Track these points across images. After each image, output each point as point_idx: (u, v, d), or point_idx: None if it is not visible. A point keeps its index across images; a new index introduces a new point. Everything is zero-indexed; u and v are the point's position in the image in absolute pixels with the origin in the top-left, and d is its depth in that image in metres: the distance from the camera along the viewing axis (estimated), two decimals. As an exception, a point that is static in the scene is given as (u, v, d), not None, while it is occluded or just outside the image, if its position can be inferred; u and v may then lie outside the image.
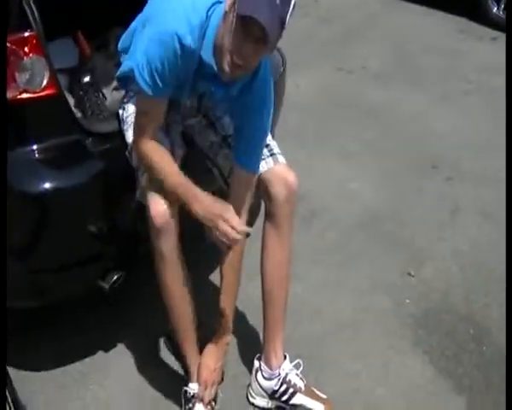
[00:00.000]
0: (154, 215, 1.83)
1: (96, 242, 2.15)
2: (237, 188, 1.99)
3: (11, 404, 1.89)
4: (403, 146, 3.73)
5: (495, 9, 5.44)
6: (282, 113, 2.78)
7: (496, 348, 2.39)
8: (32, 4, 1.90)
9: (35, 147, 1.97)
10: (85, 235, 2.09)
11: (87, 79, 2.62)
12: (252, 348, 2.32)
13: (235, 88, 1.86)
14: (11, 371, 2.02)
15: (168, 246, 1.87)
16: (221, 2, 1.71)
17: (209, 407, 2.09)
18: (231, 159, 2.01)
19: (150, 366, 2.33)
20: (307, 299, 2.61)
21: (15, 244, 2.00)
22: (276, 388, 2.16)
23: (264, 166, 2.02)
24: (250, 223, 2.09)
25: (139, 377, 2.30)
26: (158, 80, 1.74)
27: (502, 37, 4.95)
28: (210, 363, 2.08)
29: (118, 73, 2.09)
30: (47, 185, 1.97)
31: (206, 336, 2.12)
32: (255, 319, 2.41)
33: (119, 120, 2.11)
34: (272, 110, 1.95)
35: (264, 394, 2.19)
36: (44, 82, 1.93)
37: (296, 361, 2.19)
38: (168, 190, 1.83)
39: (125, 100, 2.11)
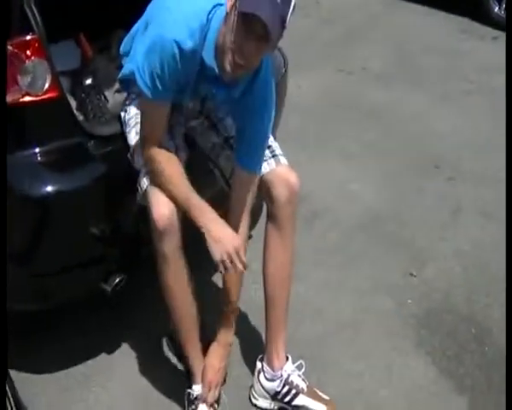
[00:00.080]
0: (157, 217, 1.83)
1: (98, 244, 2.15)
2: (239, 189, 1.99)
3: (13, 406, 1.89)
4: (403, 146, 3.73)
5: (496, 9, 5.45)
6: (283, 114, 2.78)
7: (497, 348, 2.39)
8: (34, 7, 1.90)
9: (37, 150, 1.97)
10: (87, 238, 2.09)
11: (89, 81, 2.62)
12: (254, 349, 2.32)
13: (236, 90, 1.86)
14: (13, 373, 2.01)
15: (171, 248, 1.87)
16: (222, 5, 1.72)
17: (212, 408, 2.10)
18: (233, 160, 2.01)
19: (153, 368, 2.33)
20: (309, 299, 2.61)
21: (18, 248, 2.00)
22: (279, 389, 2.16)
23: (266, 167, 2.02)
24: (252, 224, 2.09)
25: (142, 379, 2.30)
26: (158, 84, 1.75)
27: (503, 36, 4.93)
28: (215, 363, 2.09)
29: (120, 75, 2.09)
30: (49, 188, 1.97)
31: (208, 336, 2.13)
32: (257, 320, 2.41)
33: (121, 123, 2.11)
34: (274, 111, 1.95)
35: (267, 395, 2.19)
36: (46, 85, 1.93)
37: (298, 362, 2.19)
38: (173, 200, 1.84)
39: (127, 102, 2.11)
